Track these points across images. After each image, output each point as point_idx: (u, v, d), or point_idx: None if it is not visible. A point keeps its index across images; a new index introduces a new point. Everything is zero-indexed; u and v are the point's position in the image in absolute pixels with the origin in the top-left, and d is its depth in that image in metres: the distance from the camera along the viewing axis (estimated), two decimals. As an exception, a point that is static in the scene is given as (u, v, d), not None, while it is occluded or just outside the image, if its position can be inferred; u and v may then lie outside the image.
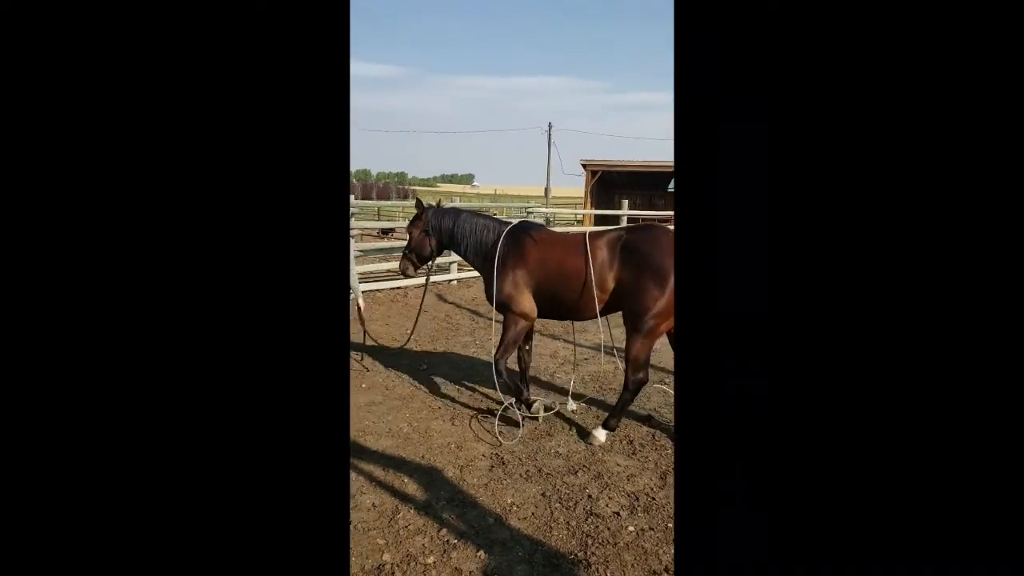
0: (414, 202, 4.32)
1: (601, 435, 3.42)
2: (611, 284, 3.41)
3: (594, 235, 3.57)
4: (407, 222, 4.35)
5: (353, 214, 7.29)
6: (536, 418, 3.70)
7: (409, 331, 5.13)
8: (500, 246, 3.69)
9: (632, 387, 3.37)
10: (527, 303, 3.61)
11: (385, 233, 12.17)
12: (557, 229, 14.70)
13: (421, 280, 8.20)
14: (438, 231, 4.01)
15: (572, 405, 3.98)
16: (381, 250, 8.96)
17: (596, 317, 3.50)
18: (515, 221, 4.02)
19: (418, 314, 5.08)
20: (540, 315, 3.70)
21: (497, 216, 5.31)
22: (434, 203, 4.23)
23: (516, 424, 3.55)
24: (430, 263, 4.23)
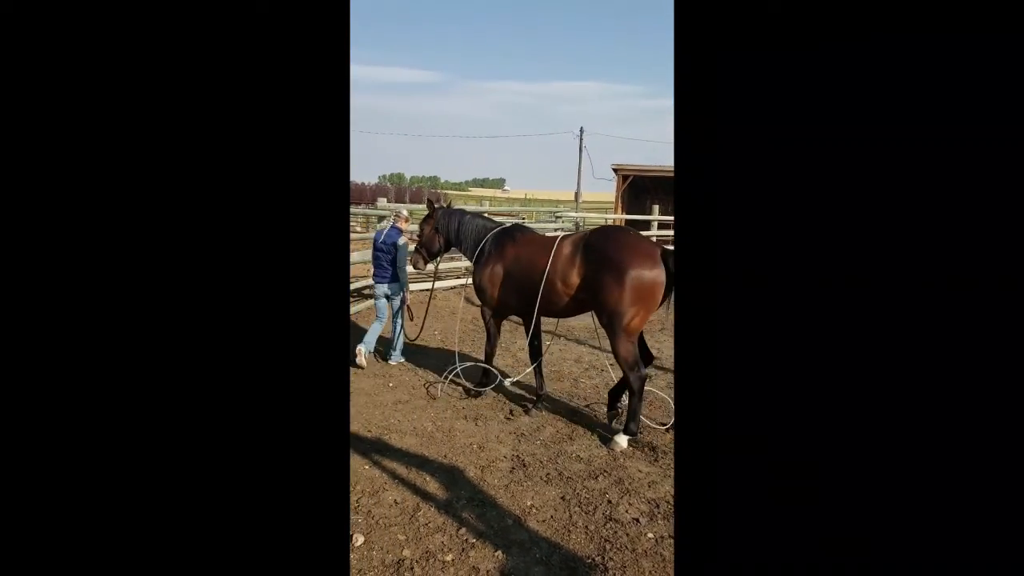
0: (432, 203, 4.69)
1: (623, 441, 3.41)
2: (575, 279, 3.57)
3: (565, 236, 3.83)
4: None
5: (384, 217, 7.44)
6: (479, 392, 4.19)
7: (421, 325, 5.36)
8: (485, 243, 4.10)
9: (635, 386, 3.40)
10: (495, 296, 4.01)
11: None
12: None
13: (449, 283, 8.36)
14: (446, 230, 4.42)
15: (508, 381, 4.40)
16: (411, 253, 9.07)
17: (568, 311, 3.76)
18: (509, 223, 4.48)
19: (427, 308, 5.37)
20: (517, 306, 4.01)
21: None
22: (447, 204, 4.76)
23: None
24: (439, 258, 4.72)
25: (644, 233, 10.28)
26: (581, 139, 25.41)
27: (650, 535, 2.53)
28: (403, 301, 4.83)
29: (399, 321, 4.87)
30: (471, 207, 8.10)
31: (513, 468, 3.13)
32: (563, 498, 2.82)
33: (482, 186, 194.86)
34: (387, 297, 4.81)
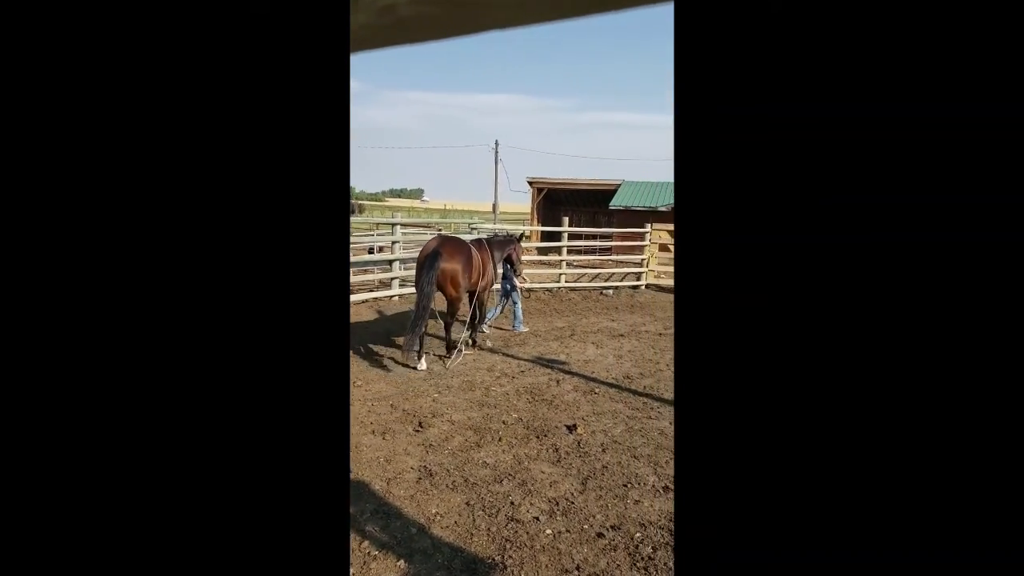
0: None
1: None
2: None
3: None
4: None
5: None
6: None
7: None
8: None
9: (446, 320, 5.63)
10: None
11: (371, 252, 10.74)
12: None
13: (389, 292, 8.55)
14: None
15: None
16: (355, 264, 8.98)
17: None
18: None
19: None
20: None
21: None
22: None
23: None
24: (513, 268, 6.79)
25: (554, 244, 10.77)
26: (496, 151, 25.85)
27: (548, 531, 2.66)
28: (513, 293, 6.98)
29: (518, 304, 7.09)
30: (386, 218, 8.08)
31: (420, 478, 3.16)
32: (468, 503, 2.89)
33: (400, 196, 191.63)
34: (506, 291, 7.02)
